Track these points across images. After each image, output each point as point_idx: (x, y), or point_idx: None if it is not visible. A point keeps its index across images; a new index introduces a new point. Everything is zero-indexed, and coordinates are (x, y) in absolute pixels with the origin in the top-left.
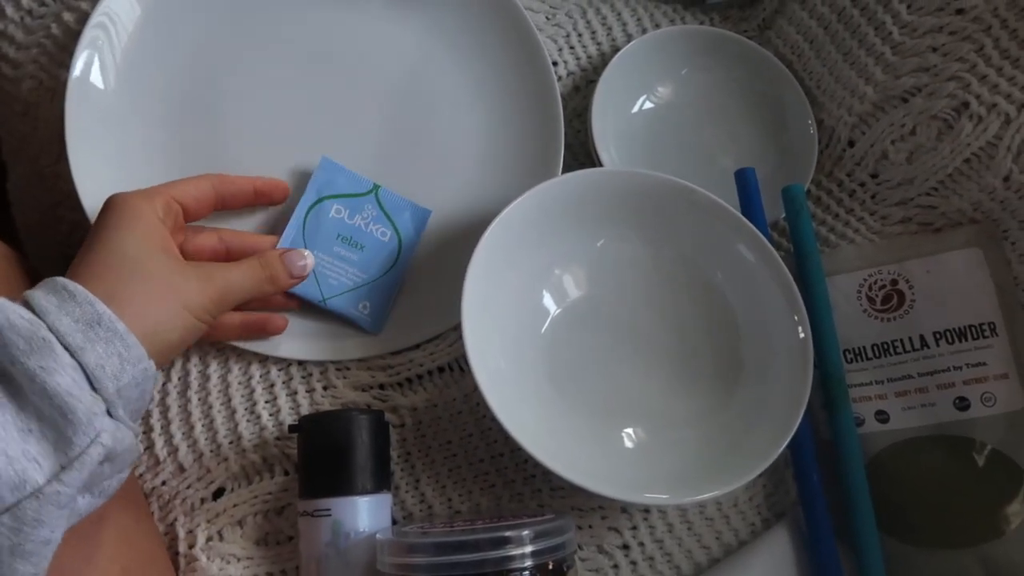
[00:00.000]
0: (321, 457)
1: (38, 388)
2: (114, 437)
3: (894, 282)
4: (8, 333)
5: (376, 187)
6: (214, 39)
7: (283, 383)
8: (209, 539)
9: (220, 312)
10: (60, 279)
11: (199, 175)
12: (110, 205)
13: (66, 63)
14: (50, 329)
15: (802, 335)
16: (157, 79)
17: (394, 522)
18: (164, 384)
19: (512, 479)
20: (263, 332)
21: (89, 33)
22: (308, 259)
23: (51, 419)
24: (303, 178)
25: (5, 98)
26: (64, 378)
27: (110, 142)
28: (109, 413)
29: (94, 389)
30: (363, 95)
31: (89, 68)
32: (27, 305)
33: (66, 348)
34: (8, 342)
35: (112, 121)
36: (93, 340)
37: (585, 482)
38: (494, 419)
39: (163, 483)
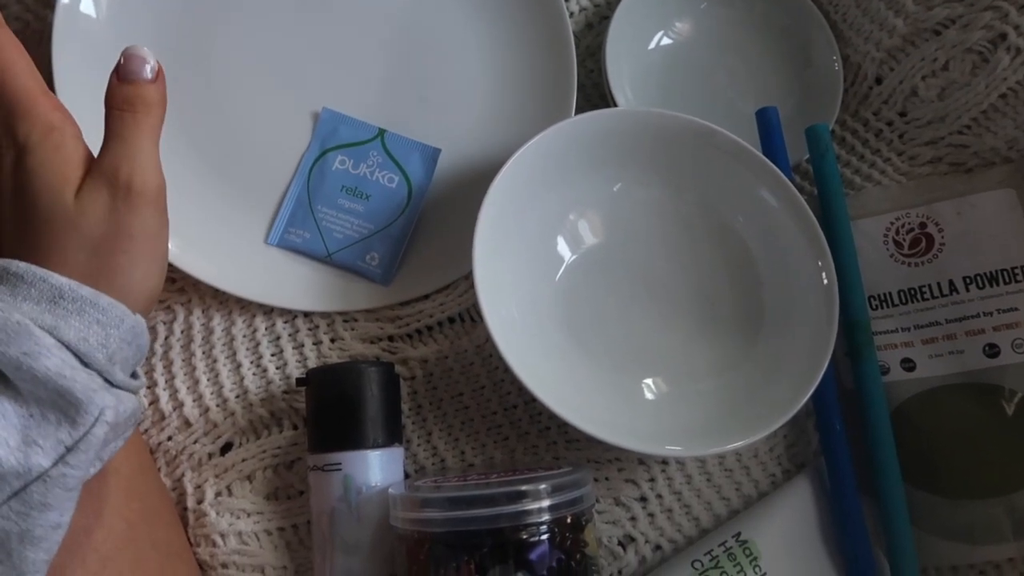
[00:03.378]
0: (330, 411)
1: (27, 375)
2: (117, 411)
3: (923, 225)
4: None
5: (382, 132)
6: None
7: (289, 336)
8: (218, 494)
9: (147, 181)
10: (2, 261)
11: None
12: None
13: (53, 2)
14: (19, 313)
15: (826, 281)
16: (150, 12)
17: (406, 476)
18: (167, 338)
19: (526, 431)
20: None
21: None
22: (149, 57)
23: (50, 402)
24: (304, 123)
25: None
26: (52, 360)
27: (100, 79)
28: (109, 382)
29: (85, 364)
30: (365, 36)
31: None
32: None
33: (42, 328)
34: None
35: (102, 55)
36: (63, 316)
37: (603, 434)
38: (507, 369)
39: (169, 438)
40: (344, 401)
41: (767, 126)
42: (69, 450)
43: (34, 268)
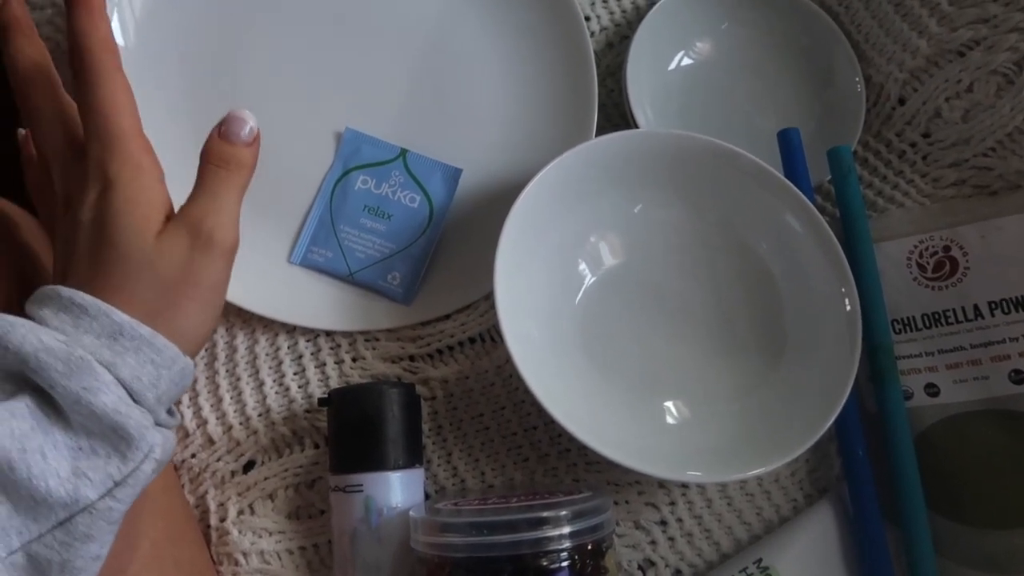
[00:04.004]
0: (352, 431)
1: (84, 409)
2: (164, 449)
3: (946, 248)
4: (43, 356)
5: (404, 152)
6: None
7: (311, 354)
8: (240, 512)
9: (226, 237)
10: (65, 291)
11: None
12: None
13: None
14: (81, 346)
15: (849, 307)
16: (176, 40)
17: (426, 497)
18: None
19: (546, 453)
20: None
21: None
22: (249, 120)
23: (101, 436)
24: (326, 142)
25: None
26: (109, 396)
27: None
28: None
29: (135, 401)
30: (388, 57)
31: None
32: (41, 323)
33: (102, 364)
34: (44, 365)
35: (131, 79)
36: (121, 353)
37: (623, 458)
38: (527, 391)
39: (193, 455)
40: (366, 422)
41: (789, 147)
42: (117, 484)
43: (99, 303)
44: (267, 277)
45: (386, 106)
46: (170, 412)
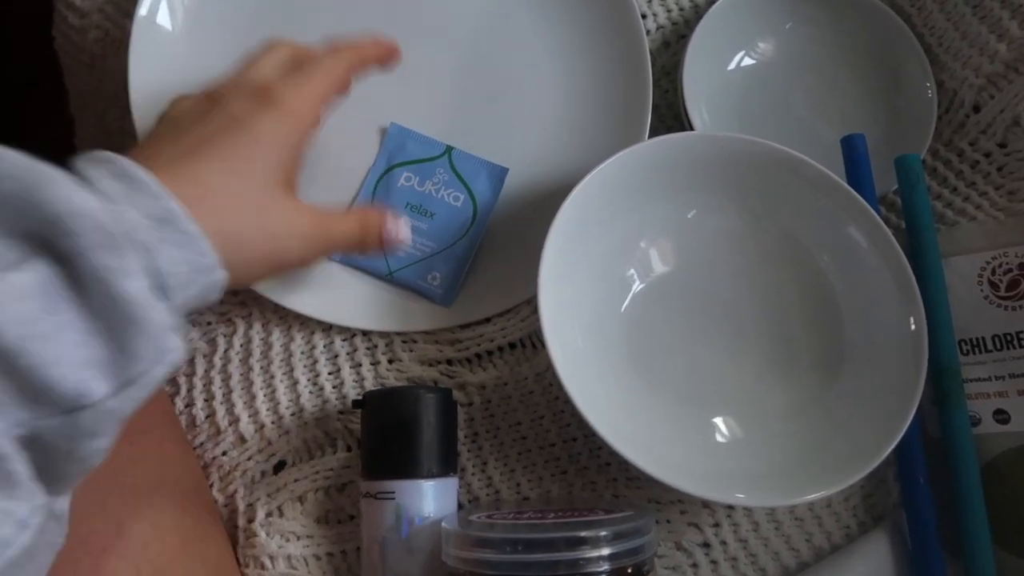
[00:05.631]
0: (386, 436)
1: (104, 290)
2: (179, 355)
3: (1022, 266)
4: (76, 220)
5: (449, 149)
6: None
7: (347, 354)
8: (269, 514)
9: (300, 262)
10: (123, 161)
11: (330, 56)
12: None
13: (132, 12)
14: (121, 222)
15: (914, 327)
16: (223, 28)
17: (460, 506)
18: (226, 351)
19: (586, 466)
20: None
21: None
22: (404, 232)
23: (118, 326)
24: (372, 138)
25: (72, 49)
26: (137, 283)
27: (174, 88)
28: None
29: (162, 297)
30: (436, 52)
31: (157, 7)
32: (85, 184)
33: (138, 247)
34: (74, 230)
35: (177, 65)
36: (163, 241)
37: (665, 476)
38: (568, 400)
39: (224, 453)
40: (400, 427)
41: (853, 154)
42: (127, 385)
43: (158, 183)
44: (305, 274)
45: (433, 102)
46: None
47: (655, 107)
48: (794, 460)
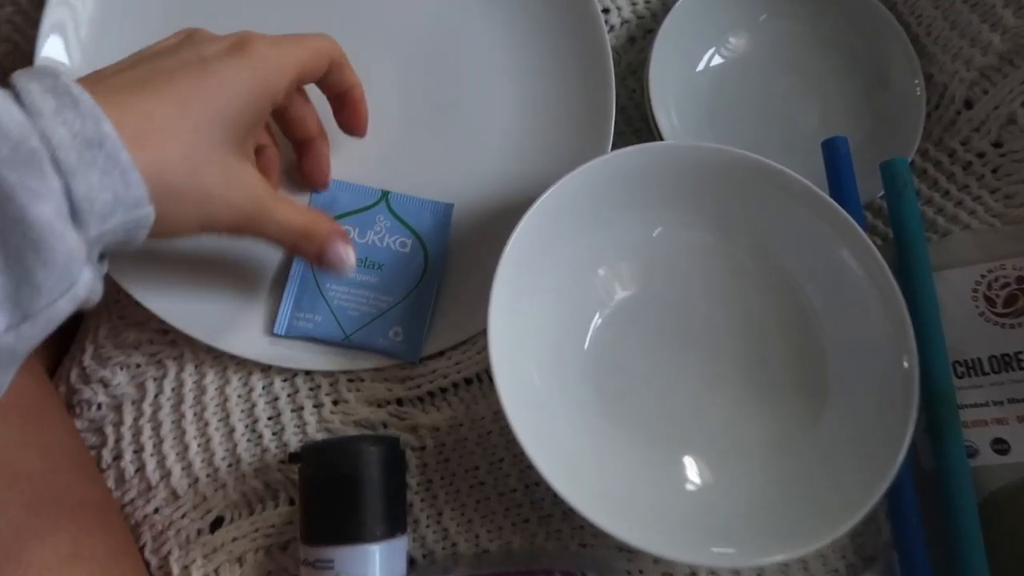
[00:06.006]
0: (324, 496)
1: (12, 211)
2: (90, 288)
3: (1020, 279)
4: None
5: (385, 194)
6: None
7: (288, 397)
8: None
9: (229, 231)
10: (63, 77)
11: (316, 39)
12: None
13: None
14: (41, 138)
15: (907, 365)
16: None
17: (412, 562)
18: (156, 396)
19: (549, 513)
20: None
21: (52, 12)
22: (350, 261)
23: (18, 252)
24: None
25: None
26: (48, 206)
27: None
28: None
29: (76, 224)
30: (373, 58)
31: (51, 43)
32: (16, 97)
33: (56, 167)
34: None
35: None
36: (88, 164)
37: (633, 535)
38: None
39: (156, 511)
40: (340, 485)
41: (835, 159)
42: (26, 318)
43: (95, 105)
44: (248, 349)
45: (362, 141)
46: (102, 258)
47: (621, 108)
48: (777, 505)
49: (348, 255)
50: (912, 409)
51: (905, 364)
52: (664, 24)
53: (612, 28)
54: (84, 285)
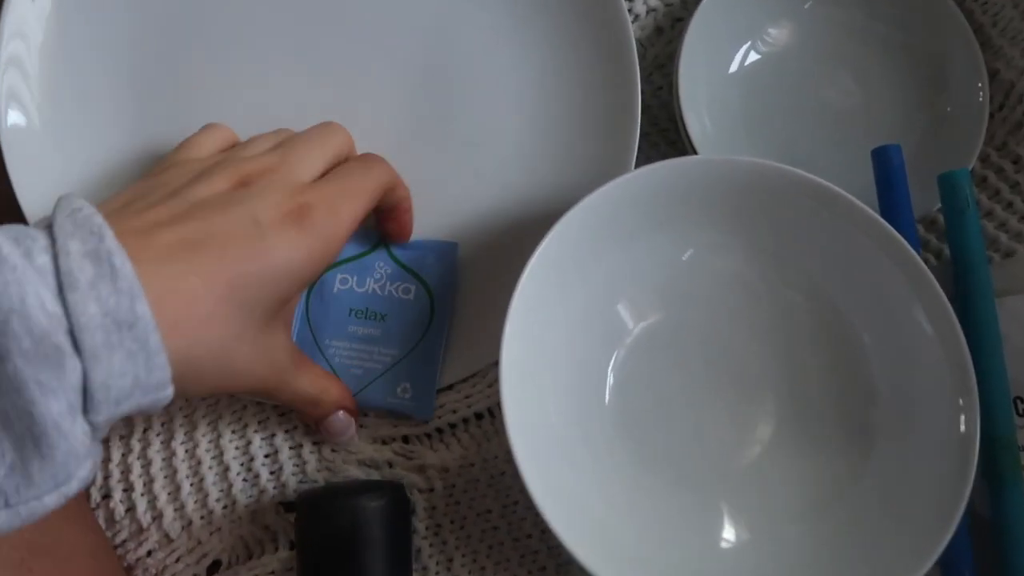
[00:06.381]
0: (321, 553)
1: (22, 402)
2: (82, 482)
3: None
4: (15, 322)
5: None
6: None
7: (285, 433)
8: None
9: (251, 394)
10: (109, 240)
11: (374, 176)
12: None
13: None
14: (70, 321)
15: (964, 428)
16: (85, 110)
17: None
18: (145, 432)
19: (568, 560)
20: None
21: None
22: (350, 432)
23: (18, 439)
24: None
25: None
26: (58, 403)
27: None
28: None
29: (86, 411)
30: (373, 72)
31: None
32: (54, 257)
33: (77, 352)
34: (11, 331)
35: (50, 164)
36: (113, 347)
37: None
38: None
39: (149, 554)
40: (338, 543)
41: (887, 169)
42: (8, 506)
43: (136, 280)
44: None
45: (371, 137)
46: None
47: (646, 107)
48: (819, 566)
49: (347, 428)
50: (968, 476)
51: (963, 427)
52: (696, 13)
53: (637, 17)
54: (78, 481)
